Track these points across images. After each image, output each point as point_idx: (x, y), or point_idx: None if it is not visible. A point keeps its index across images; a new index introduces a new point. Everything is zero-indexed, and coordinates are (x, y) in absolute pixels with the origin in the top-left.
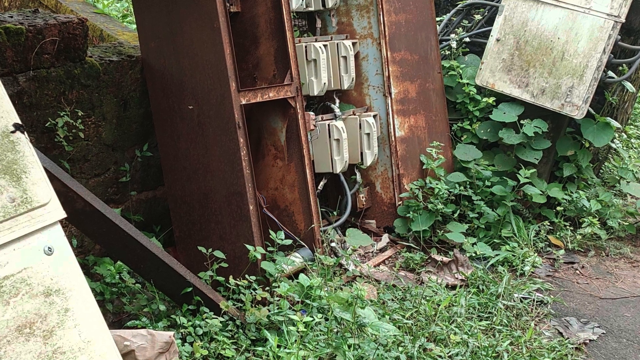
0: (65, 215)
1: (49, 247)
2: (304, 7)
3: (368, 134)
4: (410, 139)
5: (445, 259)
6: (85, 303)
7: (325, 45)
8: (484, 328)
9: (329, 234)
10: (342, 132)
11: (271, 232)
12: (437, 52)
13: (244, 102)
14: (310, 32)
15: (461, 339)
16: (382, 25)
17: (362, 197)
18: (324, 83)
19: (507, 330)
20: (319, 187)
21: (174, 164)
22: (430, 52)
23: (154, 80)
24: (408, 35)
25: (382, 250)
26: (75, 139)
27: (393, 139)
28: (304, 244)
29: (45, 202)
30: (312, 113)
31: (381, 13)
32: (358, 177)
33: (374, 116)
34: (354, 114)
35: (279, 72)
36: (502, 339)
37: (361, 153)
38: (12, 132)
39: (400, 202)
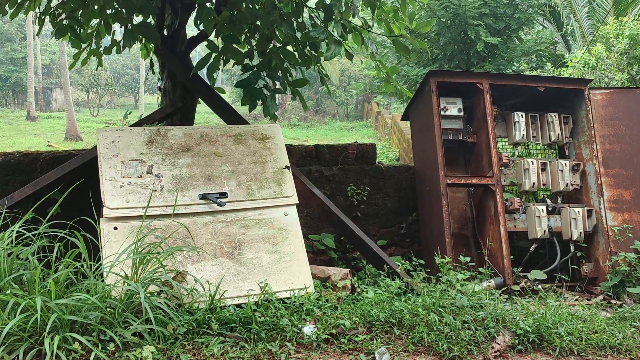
0: (297, 202)
1: (285, 213)
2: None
3: (575, 219)
4: (623, 228)
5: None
6: (296, 239)
7: (544, 163)
8: None
9: (535, 279)
10: (542, 212)
11: (461, 256)
12: None
13: (449, 182)
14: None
15: None
16: (596, 151)
17: (586, 268)
18: (533, 183)
19: None
20: (531, 249)
21: (423, 219)
22: None
23: (416, 177)
24: (622, 158)
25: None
26: (361, 203)
27: (606, 227)
28: (499, 274)
29: (290, 195)
30: (517, 198)
31: (594, 143)
32: (571, 247)
33: (589, 210)
34: (569, 207)
35: (489, 171)
36: None
37: (570, 231)
38: (284, 168)
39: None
